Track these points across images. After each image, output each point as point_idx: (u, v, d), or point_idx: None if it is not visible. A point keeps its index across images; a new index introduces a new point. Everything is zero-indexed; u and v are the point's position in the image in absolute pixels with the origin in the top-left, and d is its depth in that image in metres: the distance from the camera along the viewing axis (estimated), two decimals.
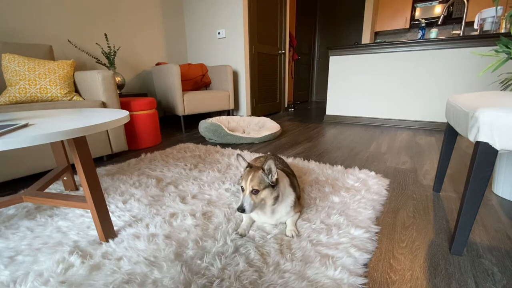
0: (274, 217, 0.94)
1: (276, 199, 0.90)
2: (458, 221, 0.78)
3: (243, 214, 1.03)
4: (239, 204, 0.85)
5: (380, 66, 2.84)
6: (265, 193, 0.87)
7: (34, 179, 1.50)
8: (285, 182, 0.97)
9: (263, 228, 0.94)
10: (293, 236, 0.90)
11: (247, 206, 0.83)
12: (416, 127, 2.78)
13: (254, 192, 0.85)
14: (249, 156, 1.82)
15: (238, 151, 2.10)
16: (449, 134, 1.13)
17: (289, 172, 1.10)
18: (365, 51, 2.88)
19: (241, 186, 0.89)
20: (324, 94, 6.11)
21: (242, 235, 0.92)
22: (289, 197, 0.96)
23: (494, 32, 2.40)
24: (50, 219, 1.04)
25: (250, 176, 0.86)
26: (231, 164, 1.64)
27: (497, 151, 0.68)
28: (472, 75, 2.43)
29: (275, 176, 0.89)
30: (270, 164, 0.87)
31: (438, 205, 1.13)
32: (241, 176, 0.93)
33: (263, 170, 0.88)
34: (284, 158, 1.74)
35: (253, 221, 1.00)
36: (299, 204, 1.04)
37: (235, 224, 0.97)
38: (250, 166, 0.92)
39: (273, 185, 0.89)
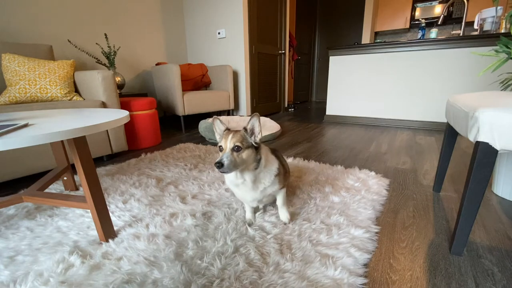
0: (257, 188, 0.87)
1: (259, 162, 0.84)
2: (458, 221, 0.78)
3: (245, 206, 1.01)
4: (217, 160, 0.76)
5: (380, 66, 2.84)
6: (247, 153, 0.79)
7: (34, 179, 1.50)
8: (267, 149, 0.92)
9: (263, 228, 0.94)
10: (288, 221, 0.91)
11: (226, 161, 0.75)
12: (416, 127, 2.78)
13: (236, 149, 0.78)
14: None
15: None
16: (449, 134, 1.13)
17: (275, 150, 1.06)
18: (365, 51, 2.88)
19: (219, 146, 0.81)
20: (324, 94, 6.10)
21: (250, 224, 0.94)
22: (273, 164, 0.90)
23: (494, 32, 2.40)
24: (50, 219, 1.04)
25: (231, 134, 0.80)
26: None
27: (497, 151, 0.68)
28: (472, 75, 2.43)
29: (259, 137, 0.82)
30: (254, 122, 0.80)
31: (438, 205, 1.13)
32: (219, 139, 0.86)
33: (245, 130, 0.82)
34: (284, 158, 1.74)
35: (255, 209, 0.99)
36: (284, 178, 0.97)
37: (235, 223, 0.97)
38: (228, 129, 0.86)
39: (256, 147, 0.82)
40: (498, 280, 0.71)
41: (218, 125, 0.86)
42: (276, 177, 0.89)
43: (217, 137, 0.87)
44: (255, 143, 0.82)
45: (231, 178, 0.86)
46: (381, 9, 4.90)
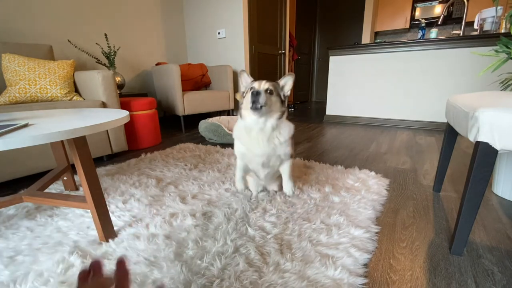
0: (273, 140, 0.89)
1: (283, 114, 0.88)
2: (458, 221, 0.78)
3: (250, 180, 1.02)
4: (249, 101, 0.79)
5: (380, 66, 2.84)
6: (276, 99, 0.84)
7: (34, 179, 1.50)
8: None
9: (263, 228, 0.94)
10: (293, 193, 0.95)
11: (261, 100, 0.78)
12: (416, 127, 2.78)
13: (269, 91, 0.82)
14: None
15: (229, 149, 2.09)
16: (449, 134, 1.13)
17: None
18: (365, 51, 2.88)
19: (251, 88, 0.83)
20: (324, 94, 6.10)
21: (257, 192, 1.01)
22: (290, 124, 0.95)
23: (494, 32, 2.40)
24: (50, 219, 1.04)
25: (265, 81, 0.84)
26: (231, 164, 1.63)
27: (497, 151, 0.68)
28: (472, 75, 2.43)
29: (288, 93, 0.88)
30: (288, 80, 0.87)
31: (438, 205, 1.13)
32: (243, 92, 0.89)
33: (278, 84, 0.87)
34: None
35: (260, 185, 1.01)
36: (293, 148, 1.03)
37: (235, 223, 0.97)
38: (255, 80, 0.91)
39: (283, 101, 0.87)
40: (498, 280, 0.71)
41: (244, 77, 0.91)
42: (290, 139, 0.93)
43: (242, 89, 0.91)
44: (284, 96, 0.87)
45: (250, 121, 0.86)
46: (381, 9, 4.90)
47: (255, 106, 0.78)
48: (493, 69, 1.18)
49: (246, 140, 0.90)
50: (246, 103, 0.85)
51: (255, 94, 0.78)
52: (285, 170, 0.98)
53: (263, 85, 0.83)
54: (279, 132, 0.89)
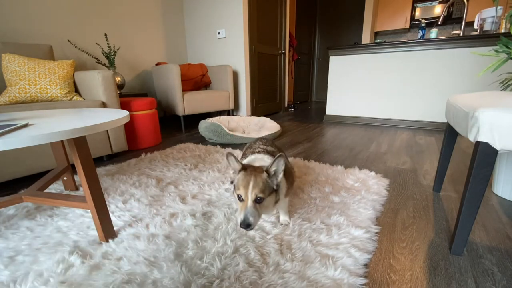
0: (268, 213, 0.90)
1: (277, 202, 0.75)
2: (458, 221, 0.78)
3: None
4: (240, 218, 0.67)
5: (380, 66, 2.84)
6: (269, 200, 0.70)
7: (34, 179, 1.50)
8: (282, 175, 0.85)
9: (263, 228, 0.94)
10: (288, 224, 0.92)
11: (252, 220, 0.65)
12: (416, 127, 2.78)
13: (258, 200, 0.68)
14: None
15: (229, 149, 2.02)
16: (449, 134, 1.13)
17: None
18: (365, 51, 2.88)
19: (238, 195, 0.70)
20: (324, 94, 6.10)
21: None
22: (283, 189, 0.83)
23: (494, 32, 2.40)
24: (50, 219, 1.04)
25: (252, 182, 0.68)
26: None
27: (497, 151, 0.68)
28: (472, 75, 2.43)
29: (280, 176, 0.73)
30: (279, 165, 0.70)
31: (438, 205, 1.13)
32: (232, 182, 0.74)
33: (267, 172, 0.70)
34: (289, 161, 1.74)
35: None
36: (291, 188, 0.92)
37: (235, 224, 0.97)
38: (244, 168, 0.74)
39: (276, 189, 0.73)
40: (498, 280, 0.71)
41: (232, 162, 0.75)
42: (283, 196, 0.84)
43: (231, 172, 0.77)
44: (277, 185, 0.72)
45: None
46: (381, 9, 4.90)
47: (250, 229, 0.67)
48: (493, 69, 1.18)
49: None
50: (236, 203, 0.74)
51: (246, 227, 0.66)
52: (281, 207, 0.95)
53: (251, 194, 0.67)
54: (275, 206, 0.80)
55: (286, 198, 0.93)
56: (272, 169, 0.71)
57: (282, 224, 0.96)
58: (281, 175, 0.73)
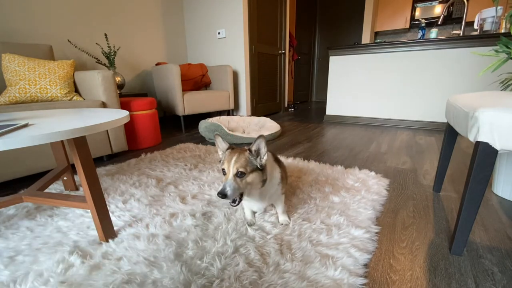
0: (262, 200, 0.87)
1: (264, 182, 0.80)
2: (458, 221, 0.78)
3: (243, 204, 0.97)
4: (219, 188, 0.72)
5: (380, 66, 2.84)
6: (252, 177, 0.75)
7: (34, 179, 1.50)
8: (269, 157, 0.88)
9: (263, 228, 0.94)
10: (288, 223, 0.92)
11: (229, 190, 0.71)
12: (416, 127, 2.78)
13: (239, 174, 0.73)
14: None
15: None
16: (449, 134, 1.13)
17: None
18: (365, 51, 2.88)
19: (223, 169, 0.76)
20: (324, 94, 6.10)
21: (251, 224, 0.95)
22: (275, 174, 0.87)
23: (494, 32, 2.40)
24: (50, 219, 1.04)
25: (235, 157, 0.74)
26: None
27: (497, 151, 0.68)
28: (472, 75, 2.43)
29: (265, 158, 0.78)
30: (260, 144, 0.76)
31: (438, 205, 1.13)
32: (220, 161, 0.80)
33: (250, 151, 0.77)
34: (284, 158, 1.74)
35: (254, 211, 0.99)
36: (285, 181, 0.96)
37: (235, 224, 0.97)
38: (231, 148, 0.81)
39: (262, 169, 0.77)
40: (498, 280, 0.71)
41: (220, 143, 0.81)
42: (279, 185, 0.89)
43: (219, 153, 0.83)
44: (261, 165, 0.77)
45: None
46: (381, 9, 4.90)
47: (228, 200, 0.73)
48: (493, 69, 1.18)
49: (245, 203, 0.92)
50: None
51: (222, 197, 0.71)
52: (278, 207, 0.98)
53: (232, 167, 0.72)
54: (267, 191, 0.86)
55: (283, 195, 0.96)
56: (254, 148, 0.77)
57: (282, 224, 0.96)
58: (265, 157, 0.78)
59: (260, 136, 0.75)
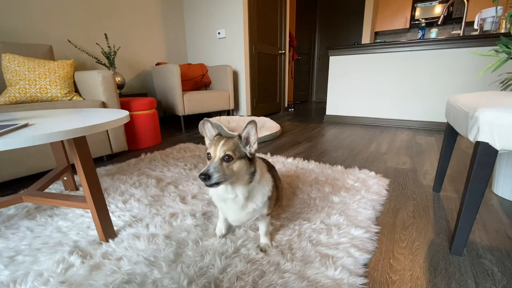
0: (247, 207, 0.74)
1: (253, 176, 0.71)
2: (458, 221, 0.78)
3: (220, 215, 0.88)
4: (202, 170, 0.64)
5: (380, 66, 2.84)
6: (239, 164, 0.67)
7: (34, 179, 1.50)
8: (263, 165, 0.81)
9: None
10: (266, 251, 0.81)
11: (213, 173, 0.62)
12: (416, 127, 2.78)
13: (226, 158, 0.66)
14: None
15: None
16: (449, 134, 1.13)
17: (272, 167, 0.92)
18: (365, 51, 2.88)
19: (208, 153, 0.69)
20: (324, 94, 6.10)
21: (220, 236, 0.89)
22: (268, 183, 0.78)
23: (494, 32, 2.40)
24: (50, 219, 1.04)
25: (222, 141, 0.68)
26: None
27: (497, 151, 0.68)
28: (472, 75, 2.43)
29: (255, 147, 0.71)
30: (250, 130, 0.69)
31: (438, 205, 1.13)
32: (208, 144, 0.73)
33: (240, 138, 0.70)
34: (284, 158, 1.74)
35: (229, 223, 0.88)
36: (275, 203, 0.84)
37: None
38: (220, 134, 0.75)
39: (251, 159, 0.71)
40: (498, 280, 0.71)
41: (208, 129, 0.74)
42: (268, 200, 0.77)
43: (207, 142, 0.75)
44: (250, 154, 0.71)
45: (220, 191, 0.73)
46: (381, 9, 4.90)
47: (209, 184, 0.63)
48: (493, 69, 1.18)
49: (222, 206, 0.78)
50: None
51: (205, 178, 0.62)
52: (261, 227, 0.85)
53: (219, 150, 0.66)
54: (253, 200, 0.74)
55: (268, 216, 0.84)
56: (244, 134, 0.70)
57: (261, 250, 0.82)
58: (255, 146, 0.71)
59: (251, 122, 0.68)
